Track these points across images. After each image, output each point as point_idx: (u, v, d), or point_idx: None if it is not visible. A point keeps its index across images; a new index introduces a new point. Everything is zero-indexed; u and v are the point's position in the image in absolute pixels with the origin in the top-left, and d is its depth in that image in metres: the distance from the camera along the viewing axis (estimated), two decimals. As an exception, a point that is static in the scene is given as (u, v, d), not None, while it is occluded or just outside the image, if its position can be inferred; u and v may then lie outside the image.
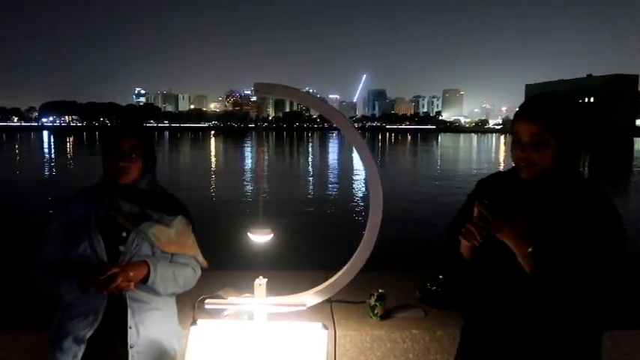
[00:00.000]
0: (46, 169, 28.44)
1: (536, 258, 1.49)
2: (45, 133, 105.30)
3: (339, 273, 2.28)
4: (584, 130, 1.55)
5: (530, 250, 1.50)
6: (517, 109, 1.64)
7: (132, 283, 1.85)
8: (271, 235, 2.18)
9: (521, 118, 1.57)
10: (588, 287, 1.48)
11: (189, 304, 2.56)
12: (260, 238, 2.17)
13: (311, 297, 2.28)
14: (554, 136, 1.51)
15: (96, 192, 2.02)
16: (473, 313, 1.81)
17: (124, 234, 1.96)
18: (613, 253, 1.48)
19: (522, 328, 1.60)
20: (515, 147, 1.59)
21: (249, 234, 2.18)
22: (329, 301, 2.51)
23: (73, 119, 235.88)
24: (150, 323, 1.95)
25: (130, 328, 1.90)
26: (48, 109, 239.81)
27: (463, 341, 1.85)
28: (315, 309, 2.38)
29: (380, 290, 2.51)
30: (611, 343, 2.37)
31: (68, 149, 48.81)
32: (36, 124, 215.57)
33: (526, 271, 1.51)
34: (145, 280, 1.90)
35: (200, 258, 2.14)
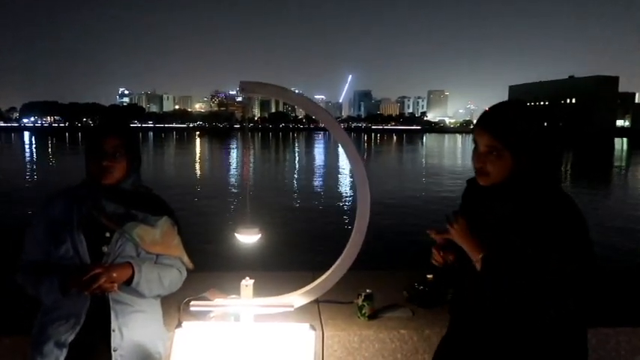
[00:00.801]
0: (28, 170, 27.96)
1: (485, 262, 1.57)
2: (26, 134, 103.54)
3: (327, 273, 2.26)
4: (542, 139, 1.56)
5: (481, 256, 1.58)
6: None
7: (115, 285, 1.81)
8: (259, 236, 2.15)
9: (477, 128, 1.62)
10: (580, 287, 1.50)
11: (175, 305, 2.52)
12: (247, 238, 2.14)
13: (298, 298, 2.25)
14: (507, 147, 1.54)
15: (78, 192, 1.97)
16: (452, 312, 1.85)
17: (108, 234, 1.92)
18: (581, 256, 1.50)
19: (499, 331, 1.62)
20: (473, 155, 1.65)
21: (236, 234, 2.14)
22: (316, 301, 2.50)
23: (55, 120, 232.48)
24: (134, 326, 1.91)
25: (114, 331, 1.86)
26: (29, 109, 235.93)
27: (444, 339, 1.89)
28: (303, 310, 2.36)
29: (367, 290, 2.50)
30: (596, 340, 2.39)
31: (50, 150, 47.98)
32: (17, 124, 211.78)
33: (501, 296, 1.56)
34: (129, 281, 1.86)
35: (185, 259, 2.10)
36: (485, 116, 1.62)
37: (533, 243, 1.51)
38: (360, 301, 2.47)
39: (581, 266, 1.49)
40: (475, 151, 1.64)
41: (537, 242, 1.50)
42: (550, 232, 1.49)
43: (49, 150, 47.90)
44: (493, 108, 1.63)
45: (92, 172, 1.93)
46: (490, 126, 1.58)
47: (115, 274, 1.81)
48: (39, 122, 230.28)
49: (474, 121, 1.72)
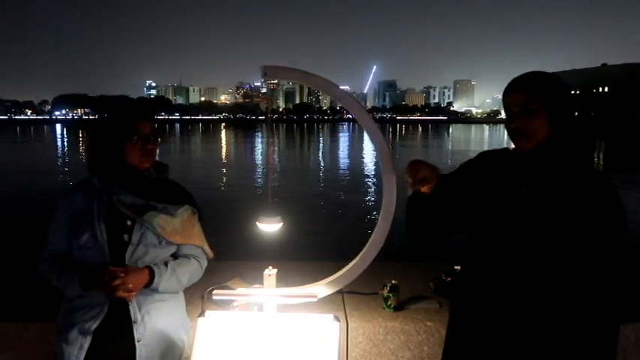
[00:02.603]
0: (60, 161, 28.69)
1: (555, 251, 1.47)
2: (58, 126, 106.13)
3: (352, 263, 2.20)
4: (571, 99, 1.57)
5: None
6: None
7: (133, 293, 1.81)
8: (281, 224, 2.11)
9: (507, 93, 1.60)
10: (604, 275, 1.45)
11: (198, 294, 2.51)
12: (269, 227, 2.10)
13: (322, 288, 2.21)
14: (541, 100, 1.52)
15: (98, 181, 1.95)
16: (460, 307, 1.77)
17: (129, 222, 1.90)
18: (618, 242, 1.46)
19: (519, 327, 1.55)
20: (508, 122, 1.60)
21: (257, 223, 2.11)
22: (341, 292, 2.45)
23: (85, 112, 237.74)
24: (157, 314, 1.91)
25: (135, 322, 1.85)
26: (60, 102, 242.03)
27: (451, 335, 1.80)
28: (327, 300, 2.32)
29: (393, 281, 2.44)
30: (634, 337, 2.28)
31: (80, 142, 49.11)
32: (49, 117, 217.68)
33: (535, 271, 1.49)
34: (147, 284, 1.86)
35: (207, 248, 2.08)
36: (516, 79, 1.60)
37: (564, 232, 1.45)
38: (385, 292, 2.42)
39: (611, 262, 1.44)
40: (509, 117, 1.60)
41: (569, 232, 1.45)
42: (586, 223, 1.44)
43: (80, 141, 48.97)
44: (520, 76, 1.61)
45: (131, 157, 1.89)
46: (522, 84, 1.57)
47: (130, 284, 1.79)
48: (70, 115, 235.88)
49: (502, 111, 1.68)
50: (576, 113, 1.58)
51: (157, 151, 1.97)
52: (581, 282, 1.46)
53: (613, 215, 1.46)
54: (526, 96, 1.53)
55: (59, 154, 34.37)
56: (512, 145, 1.66)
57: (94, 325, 1.83)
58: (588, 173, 1.52)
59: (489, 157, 1.77)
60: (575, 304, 1.48)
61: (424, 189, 1.79)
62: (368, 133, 2.01)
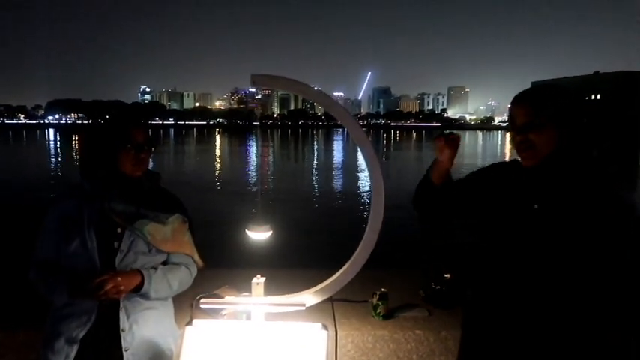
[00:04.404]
0: (51, 166, 28.51)
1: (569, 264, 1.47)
2: (51, 131, 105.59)
3: (340, 271, 2.21)
4: (580, 113, 1.55)
5: None
6: None
7: (122, 293, 1.80)
8: (270, 232, 2.11)
9: (513, 105, 1.59)
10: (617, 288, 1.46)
11: (188, 302, 2.50)
12: (258, 235, 2.10)
13: (310, 296, 2.21)
14: (547, 114, 1.51)
15: (90, 188, 1.95)
16: (474, 313, 1.76)
17: (119, 230, 1.89)
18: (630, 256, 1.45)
19: (534, 340, 1.54)
20: (513, 134, 1.59)
21: (247, 231, 2.11)
22: (330, 300, 2.45)
23: (78, 117, 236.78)
24: (145, 323, 1.90)
25: (123, 330, 1.84)
26: (54, 106, 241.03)
27: (465, 341, 1.80)
28: (316, 308, 2.32)
29: (382, 289, 2.44)
30: None
31: (74, 146, 48.91)
32: (42, 121, 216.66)
33: (548, 287, 1.50)
34: (137, 288, 1.85)
35: (196, 257, 2.07)
36: (522, 92, 1.61)
37: (577, 249, 1.46)
38: (374, 300, 2.42)
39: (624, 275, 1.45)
40: (513, 130, 1.59)
41: (581, 249, 1.45)
42: (598, 240, 1.44)
43: (74, 146, 48.74)
44: (528, 88, 1.62)
45: (122, 164, 1.89)
46: (529, 97, 1.57)
47: (122, 284, 1.78)
48: (63, 120, 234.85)
49: (495, 118, 1.68)
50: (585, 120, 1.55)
51: (150, 159, 1.97)
52: (595, 296, 1.46)
53: (625, 231, 1.44)
54: (532, 110, 1.53)
55: (52, 160, 34.15)
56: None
57: (82, 334, 1.82)
58: (600, 188, 1.49)
59: (501, 169, 1.76)
60: (589, 318, 1.48)
61: (434, 177, 1.81)
62: (357, 142, 2.02)
